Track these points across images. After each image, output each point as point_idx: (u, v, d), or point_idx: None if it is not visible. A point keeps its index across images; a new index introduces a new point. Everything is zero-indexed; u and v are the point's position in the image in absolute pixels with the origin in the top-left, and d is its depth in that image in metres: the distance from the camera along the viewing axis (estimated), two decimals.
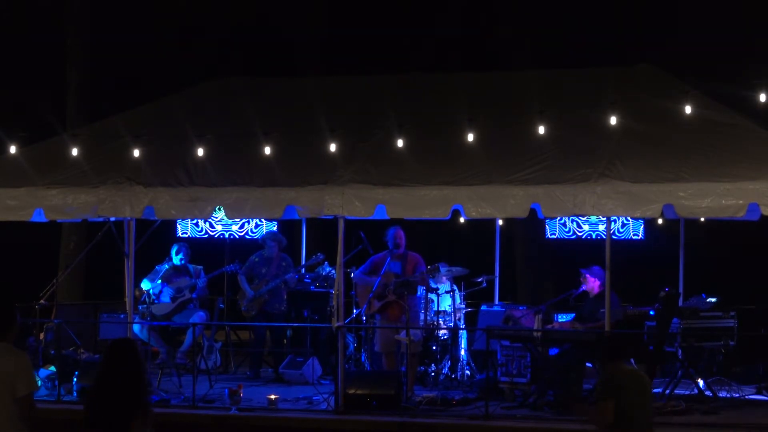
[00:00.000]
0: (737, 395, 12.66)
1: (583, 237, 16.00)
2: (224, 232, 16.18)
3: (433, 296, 13.53)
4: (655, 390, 12.27)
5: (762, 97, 11.49)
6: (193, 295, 14.55)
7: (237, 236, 16.15)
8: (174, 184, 12.60)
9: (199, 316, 14.38)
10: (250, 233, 16.16)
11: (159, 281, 14.48)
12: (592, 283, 12.93)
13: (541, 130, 12.03)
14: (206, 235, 16.24)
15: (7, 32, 21.20)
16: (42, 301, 13.68)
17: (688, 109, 11.90)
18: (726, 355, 13.15)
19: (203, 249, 16.09)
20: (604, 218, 12.02)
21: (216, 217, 15.43)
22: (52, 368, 13.18)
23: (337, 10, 22.25)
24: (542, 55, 19.41)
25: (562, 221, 15.99)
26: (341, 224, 12.11)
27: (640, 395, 8.08)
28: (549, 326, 13.03)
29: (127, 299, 13.26)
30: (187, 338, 14.51)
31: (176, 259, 14.56)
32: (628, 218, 15.18)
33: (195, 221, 15.91)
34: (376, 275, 13.11)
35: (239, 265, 14.75)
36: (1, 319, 7.77)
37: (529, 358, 12.66)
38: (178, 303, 14.43)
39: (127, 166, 12.85)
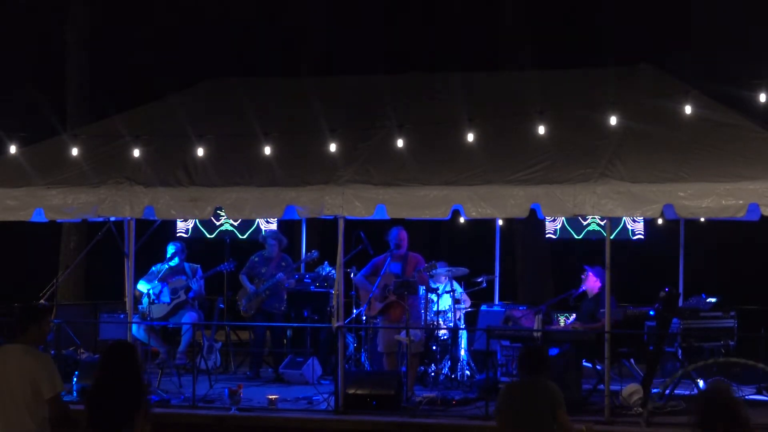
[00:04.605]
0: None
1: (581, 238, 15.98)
2: (224, 230, 16.17)
3: (433, 296, 13.52)
4: (654, 390, 12.30)
5: (762, 97, 11.47)
6: (189, 296, 14.54)
7: (240, 237, 16.11)
8: (174, 184, 12.60)
9: (190, 317, 14.37)
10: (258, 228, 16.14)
11: (157, 282, 14.47)
12: (592, 283, 12.93)
13: (541, 130, 12.01)
14: (204, 235, 16.22)
15: (7, 32, 21.20)
16: (42, 301, 13.67)
17: (688, 109, 11.89)
18: (726, 356, 13.13)
19: (203, 249, 16.08)
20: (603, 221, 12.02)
21: (218, 219, 15.46)
22: None
23: (337, 10, 22.24)
24: (542, 55, 19.41)
25: (560, 225, 15.94)
26: (341, 224, 12.11)
27: (524, 406, 8.42)
28: (549, 326, 13.03)
29: (126, 299, 13.26)
30: (183, 339, 14.51)
31: (173, 260, 14.55)
32: (634, 219, 15.15)
33: (194, 221, 15.88)
34: (377, 277, 13.10)
35: (234, 263, 14.75)
36: (19, 320, 7.78)
37: None
38: (173, 305, 14.43)
39: (127, 166, 12.85)
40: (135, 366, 7.63)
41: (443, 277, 13.83)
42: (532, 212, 11.90)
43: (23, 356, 7.65)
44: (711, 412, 6.74)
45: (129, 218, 12.66)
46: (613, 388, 11.89)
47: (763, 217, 11.57)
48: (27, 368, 7.61)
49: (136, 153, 12.86)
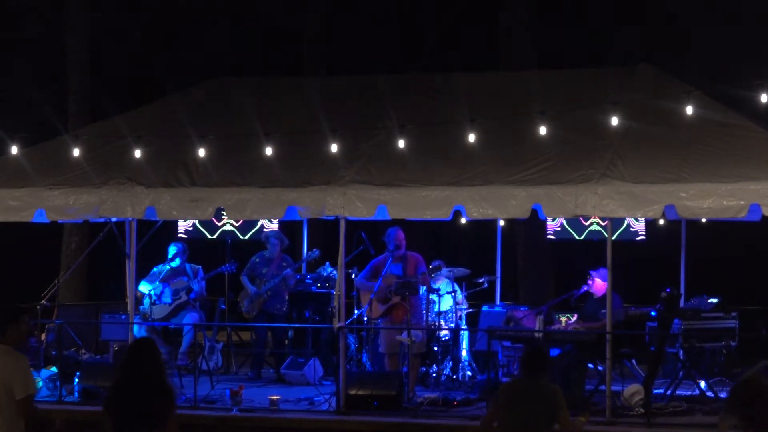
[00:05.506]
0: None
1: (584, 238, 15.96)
2: (225, 231, 16.15)
3: (434, 297, 13.51)
4: (656, 391, 12.30)
5: (762, 97, 11.46)
6: (191, 296, 14.53)
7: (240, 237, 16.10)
8: (175, 184, 12.60)
9: (191, 317, 14.36)
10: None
11: (158, 282, 14.46)
12: (599, 287, 12.86)
13: (543, 130, 12.01)
14: (205, 236, 16.21)
15: (7, 32, 21.19)
16: (44, 302, 13.69)
17: (689, 110, 11.87)
18: (727, 356, 13.14)
19: (204, 249, 16.07)
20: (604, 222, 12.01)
21: (220, 220, 15.44)
22: (54, 369, 13.17)
23: (337, 10, 22.25)
24: (542, 55, 19.41)
25: (558, 226, 15.93)
26: (342, 225, 12.11)
27: (517, 406, 8.52)
28: (551, 327, 13.03)
29: (128, 300, 13.26)
30: (184, 340, 14.51)
31: (175, 261, 14.54)
32: (636, 219, 15.14)
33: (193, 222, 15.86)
34: (377, 279, 13.09)
35: (236, 265, 14.74)
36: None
37: None
38: (174, 306, 14.42)
39: (129, 167, 12.86)
40: (160, 363, 7.61)
41: (443, 278, 13.83)
42: (534, 213, 11.90)
43: (2, 357, 7.65)
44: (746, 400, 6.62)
45: (130, 219, 12.67)
46: (615, 388, 11.90)
47: (764, 217, 11.57)
48: (4, 369, 7.62)
49: (138, 153, 12.86)
